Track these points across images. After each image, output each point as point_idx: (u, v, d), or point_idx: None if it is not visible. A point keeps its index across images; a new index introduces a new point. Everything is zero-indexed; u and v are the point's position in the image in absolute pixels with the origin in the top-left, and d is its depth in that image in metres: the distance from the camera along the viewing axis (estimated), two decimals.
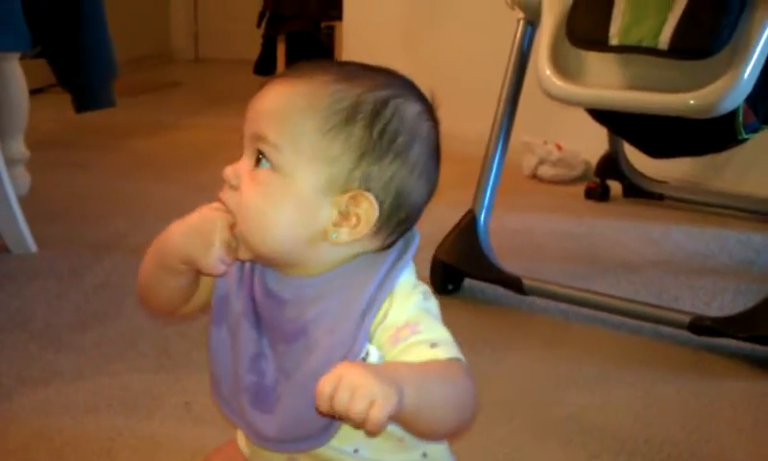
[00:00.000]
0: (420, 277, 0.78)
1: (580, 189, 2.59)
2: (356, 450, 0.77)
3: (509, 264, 1.70)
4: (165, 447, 1.14)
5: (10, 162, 1.98)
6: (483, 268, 1.68)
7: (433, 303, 0.77)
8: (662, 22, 1.43)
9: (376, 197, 0.73)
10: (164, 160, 2.96)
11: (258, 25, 4.06)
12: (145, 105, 4.05)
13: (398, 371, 0.68)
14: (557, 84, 1.54)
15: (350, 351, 0.72)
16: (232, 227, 0.74)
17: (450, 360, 0.73)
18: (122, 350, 1.42)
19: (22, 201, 1.92)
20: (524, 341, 1.52)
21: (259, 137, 0.73)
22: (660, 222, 2.30)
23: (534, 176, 2.75)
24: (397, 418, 0.65)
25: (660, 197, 2.46)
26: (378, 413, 0.61)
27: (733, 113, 1.53)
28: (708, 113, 1.46)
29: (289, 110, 0.73)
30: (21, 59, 2.30)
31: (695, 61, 1.44)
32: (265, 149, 0.73)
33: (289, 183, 0.72)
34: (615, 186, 2.52)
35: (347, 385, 0.62)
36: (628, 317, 1.57)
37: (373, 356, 0.74)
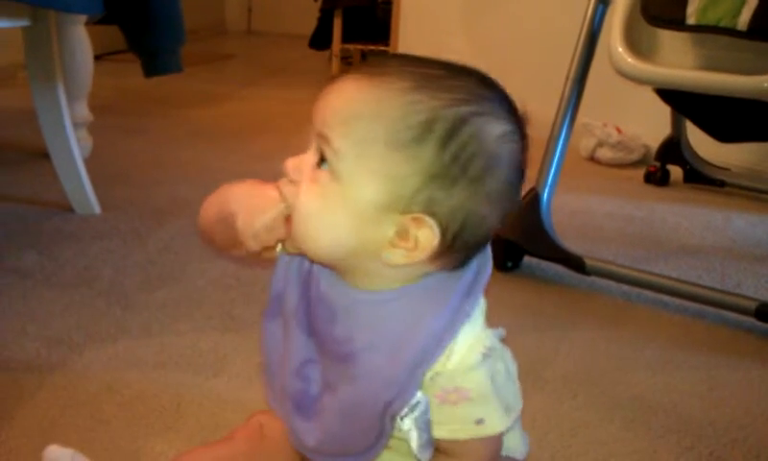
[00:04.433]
0: None
1: (638, 173, 2.56)
2: None
3: (568, 244, 1.69)
4: (232, 405, 1.15)
5: (73, 125, 2.00)
6: (546, 246, 1.67)
7: (495, 361, 0.71)
8: (742, 3, 1.41)
9: (440, 223, 0.66)
10: (220, 130, 2.98)
11: None
12: (199, 75, 4.09)
13: None
14: (629, 62, 1.52)
15: (398, 396, 0.69)
16: (288, 219, 0.71)
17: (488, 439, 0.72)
18: (187, 310, 1.44)
19: (84, 163, 1.95)
20: (586, 320, 1.51)
21: (323, 138, 0.67)
22: (722, 208, 2.27)
23: (591, 158, 2.73)
24: None
25: (722, 183, 2.43)
26: None
27: None
28: None
29: (358, 115, 0.66)
30: (84, 24, 2.34)
31: None
32: (327, 152, 0.67)
33: (346, 193, 0.67)
34: (675, 172, 2.49)
35: None
36: (692, 301, 1.55)
37: (423, 406, 0.70)
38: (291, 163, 0.70)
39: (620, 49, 1.54)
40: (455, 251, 0.69)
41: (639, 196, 2.38)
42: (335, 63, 3.94)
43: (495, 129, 0.67)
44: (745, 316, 1.49)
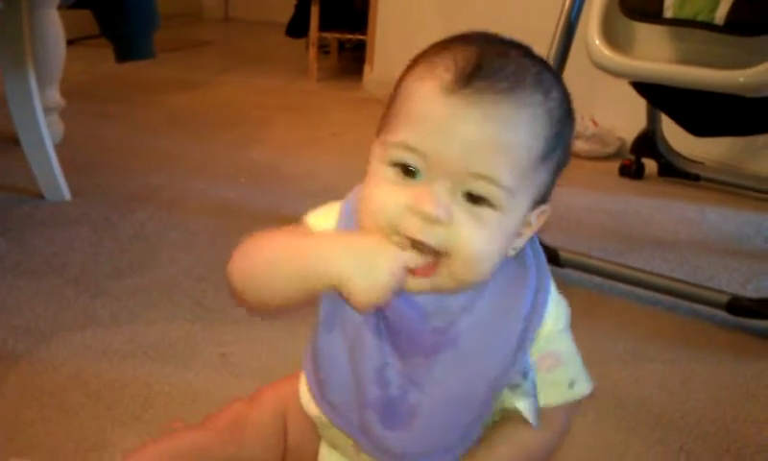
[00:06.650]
0: None
1: (613, 166, 2.57)
2: None
3: (542, 236, 1.68)
4: (201, 395, 1.13)
5: (45, 110, 1.98)
6: None
7: (568, 318, 0.75)
8: None
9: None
10: (195, 118, 2.95)
11: None
12: (175, 62, 4.04)
13: None
14: (606, 55, 1.52)
15: (508, 371, 0.70)
16: (410, 269, 0.65)
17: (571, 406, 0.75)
18: (158, 299, 1.42)
19: (55, 149, 1.92)
20: None
21: (486, 179, 0.63)
22: (696, 202, 2.28)
23: None
24: None
25: (696, 177, 2.43)
26: None
27: None
28: (758, 92, 1.44)
29: (520, 144, 0.64)
30: (57, 8, 2.30)
31: (749, 39, 1.42)
32: (493, 192, 0.64)
33: (509, 220, 0.66)
34: (650, 165, 2.50)
35: None
36: (665, 294, 1.56)
37: (533, 372, 0.71)
38: (435, 207, 0.63)
39: (597, 41, 1.53)
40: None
41: (614, 189, 2.39)
42: (312, 52, 3.92)
43: (568, 107, 0.70)
44: (717, 309, 1.49)
